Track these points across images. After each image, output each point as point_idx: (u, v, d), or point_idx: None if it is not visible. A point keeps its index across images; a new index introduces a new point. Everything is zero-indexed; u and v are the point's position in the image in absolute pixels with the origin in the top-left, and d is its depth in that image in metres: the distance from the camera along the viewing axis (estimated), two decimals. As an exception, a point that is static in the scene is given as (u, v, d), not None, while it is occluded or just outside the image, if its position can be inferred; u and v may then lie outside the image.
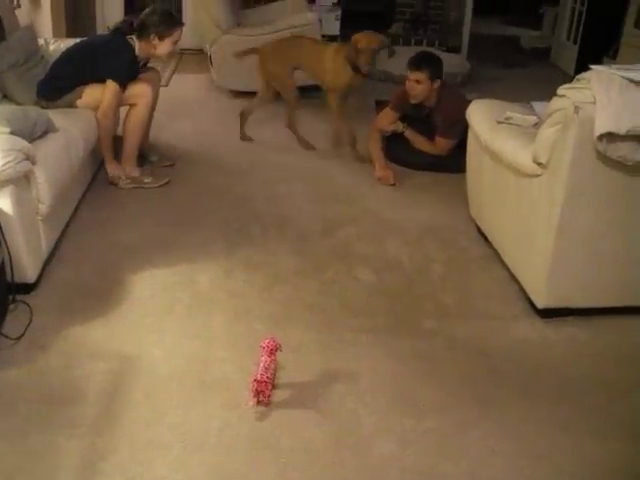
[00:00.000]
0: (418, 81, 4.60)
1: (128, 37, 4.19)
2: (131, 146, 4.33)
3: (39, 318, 2.93)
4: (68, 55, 4.22)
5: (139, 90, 4.24)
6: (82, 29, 6.82)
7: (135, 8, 9.05)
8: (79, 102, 4.12)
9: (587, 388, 2.70)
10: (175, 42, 4.25)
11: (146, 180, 4.36)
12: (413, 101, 4.70)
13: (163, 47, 4.21)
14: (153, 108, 4.52)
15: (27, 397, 2.49)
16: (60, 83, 4.11)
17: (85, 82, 4.12)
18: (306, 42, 5.18)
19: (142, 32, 4.17)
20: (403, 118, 4.83)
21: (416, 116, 4.81)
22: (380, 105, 5.26)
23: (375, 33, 4.80)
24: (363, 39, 4.66)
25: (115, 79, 4.09)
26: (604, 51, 7.52)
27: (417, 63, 4.64)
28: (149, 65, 4.58)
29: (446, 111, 4.62)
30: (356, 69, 4.74)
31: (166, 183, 4.39)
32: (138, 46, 4.20)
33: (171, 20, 4.23)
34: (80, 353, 2.73)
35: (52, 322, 2.92)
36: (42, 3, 5.94)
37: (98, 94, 4.12)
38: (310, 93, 5.77)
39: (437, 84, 4.63)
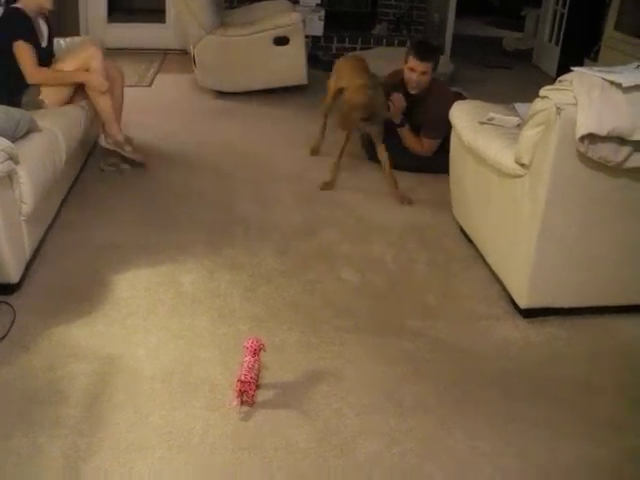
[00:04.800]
0: (425, 72, 4.59)
1: (15, 4, 4.04)
2: (106, 112, 4.32)
3: (22, 319, 2.92)
4: None
5: (87, 53, 4.19)
6: (65, 27, 6.78)
7: (119, 5, 9.05)
8: (46, 103, 4.06)
9: (569, 388, 2.72)
10: None
11: (126, 148, 4.42)
12: (414, 91, 4.67)
13: None
14: (121, 95, 4.50)
15: (9, 398, 2.48)
16: (4, 90, 3.98)
17: (19, 72, 3.99)
18: (355, 67, 4.88)
19: None
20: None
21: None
22: None
23: (364, 87, 4.40)
24: (351, 95, 4.40)
25: (18, 38, 3.94)
26: (585, 53, 7.57)
27: (425, 54, 4.60)
28: (111, 65, 4.50)
29: (435, 106, 4.56)
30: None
31: (141, 163, 4.48)
32: (23, 4, 4.03)
33: None
34: (63, 354, 2.72)
35: (35, 323, 2.91)
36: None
37: (62, 92, 4.12)
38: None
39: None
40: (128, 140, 4.48)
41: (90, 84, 4.19)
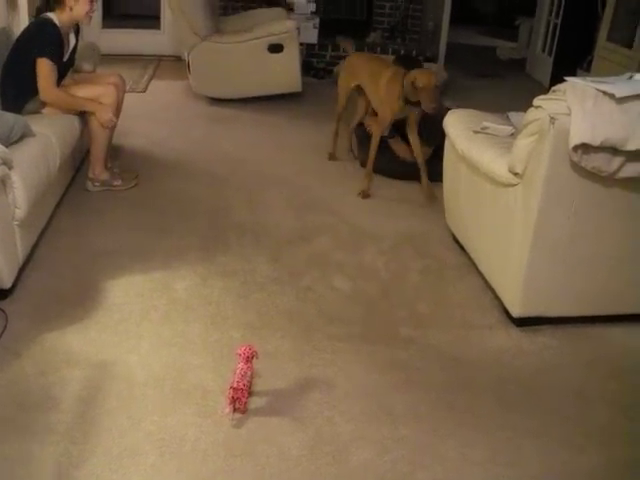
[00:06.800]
0: None
1: (48, 13, 4.00)
2: (98, 148, 4.28)
3: (14, 324, 2.91)
4: (5, 64, 4.06)
5: (103, 90, 4.19)
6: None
7: (113, 11, 9.07)
8: (44, 111, 4.05)
9: (560, 397, 2.72)
10: (92, 0, 4.06)
11: (115, 183, 4.36)
12: None
13: (80, 7, 4.01)
14: (118, 113, 4.44)
15: (1, 403, 2.47)
16: (13, 94, 3.99)
17: (33, 81, 3.95)
18: (371, 61, 4.90)
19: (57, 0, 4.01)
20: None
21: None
22: (360, 125, 5.22)
23: (431, 70, 4.51)
24: (422, 77, 4.22)
25: (44, 56, 3.92)
26: (578, 63, 7.61)
27: (401, 62, 4.74)
28: (114, 73, 4.54)
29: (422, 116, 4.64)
30: (409, 102, 4.35)
31: (134, 186, 4.42)
32: (57, 17, 4.00)
33: None
34: (55, 359, 2.72)
35: (27, 328, 2.90)
36: (19, 5, 5.88)
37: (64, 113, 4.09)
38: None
39: None
40: (114, 175, 4.42)
41: (98, 116, 4.16)
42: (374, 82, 4.58)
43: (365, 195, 4.55)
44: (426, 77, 4.22)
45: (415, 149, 4.54)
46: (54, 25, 3.97)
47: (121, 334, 2.92)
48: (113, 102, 4.21)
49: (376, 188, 4.64)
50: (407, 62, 4.73)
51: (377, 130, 4.55)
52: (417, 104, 4.28)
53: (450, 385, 2.75)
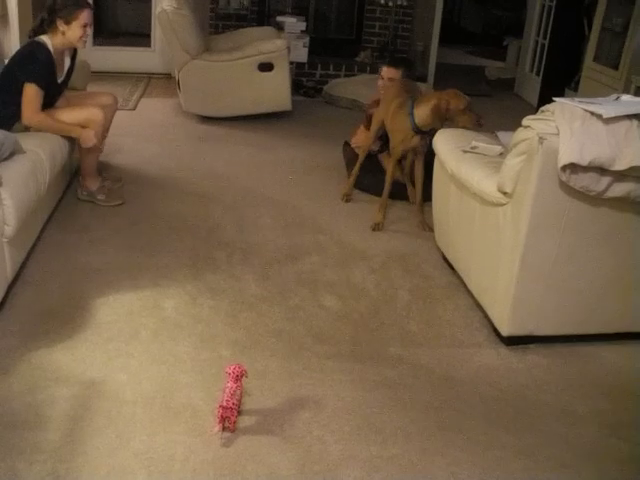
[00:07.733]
0: (391, 79, 4.64)
1: (41, 36, 4.01)
2: (89, 163, 4.33)
3: (2, 341, 2.90)
4: None
5: (88, 114, 4.18)
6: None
7: (104, 28, 9.08)
8: (33, 130, 4.03)
9: (550, 416, 2.73)
10: (84, 25, 4.03)
11: (99, 197, 4.39)
12: None
13: (72, 32, 4.00)
14: (106, 132, 4.46)
15: (-12, 422, 2.46)
16: (2, 115, 3.97)
17: (17, 103, 3.95)
18: (393, 87, 4.53)
19: (50, 22, 4.01)
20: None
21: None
22: (348, 146, 5.18)
23: (456, 91, 4.10)
24: (455, 100, 3.98)
25: (32, 81, 3.91)
26: (566, 83, 7.68)
27: (393, 61, 4.82)
28: (105, 91, 4.56)
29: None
30: (418, 131, 4.16)
31: (119, 204, 4.41)
32: (50, 40, 4.01)
33: (75, 2, 4.01)
34: (43, 377, 2.70)
35: (16, 346, 2.88)
36: (10, 22, 5.89)
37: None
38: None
39: None
40: (102, 189, 4.44)
41: (81, 142, 4.16)
42: (386, 111, 4.38)
43: (378, 228, 4.34)
44: (459, 99, 3.98)
45: (417, 181, 4.39)
46: (46, 49, 3.97)
47: (110, 352, 2.91)
48: (99, 125, 4.20)
49: (365, 207, 4.65)
50: (393, 58, 4.81)
51: (390, 164, 4.39)
52: (427, 133, 4.15)
53: (439, 404, 2.75)
